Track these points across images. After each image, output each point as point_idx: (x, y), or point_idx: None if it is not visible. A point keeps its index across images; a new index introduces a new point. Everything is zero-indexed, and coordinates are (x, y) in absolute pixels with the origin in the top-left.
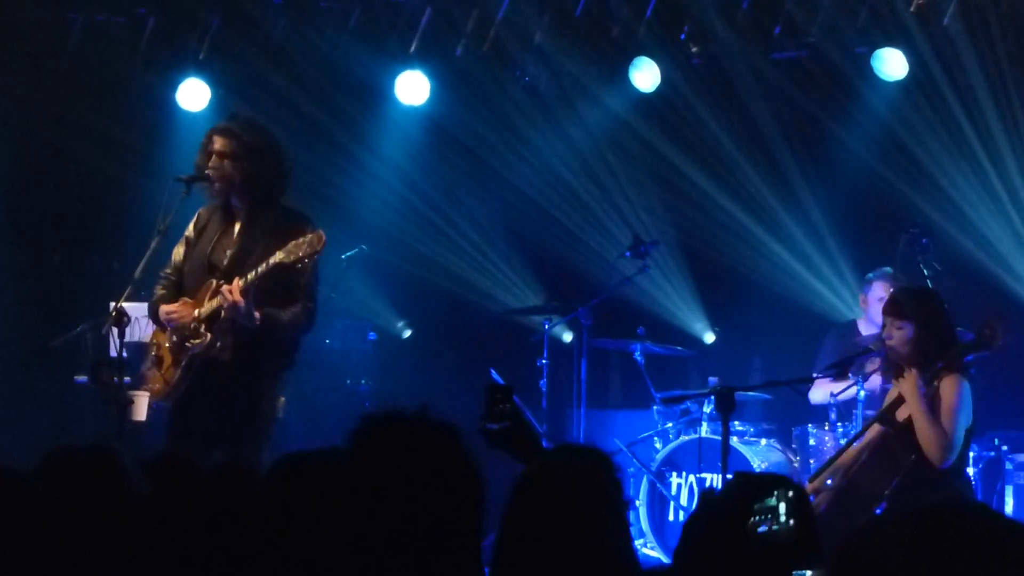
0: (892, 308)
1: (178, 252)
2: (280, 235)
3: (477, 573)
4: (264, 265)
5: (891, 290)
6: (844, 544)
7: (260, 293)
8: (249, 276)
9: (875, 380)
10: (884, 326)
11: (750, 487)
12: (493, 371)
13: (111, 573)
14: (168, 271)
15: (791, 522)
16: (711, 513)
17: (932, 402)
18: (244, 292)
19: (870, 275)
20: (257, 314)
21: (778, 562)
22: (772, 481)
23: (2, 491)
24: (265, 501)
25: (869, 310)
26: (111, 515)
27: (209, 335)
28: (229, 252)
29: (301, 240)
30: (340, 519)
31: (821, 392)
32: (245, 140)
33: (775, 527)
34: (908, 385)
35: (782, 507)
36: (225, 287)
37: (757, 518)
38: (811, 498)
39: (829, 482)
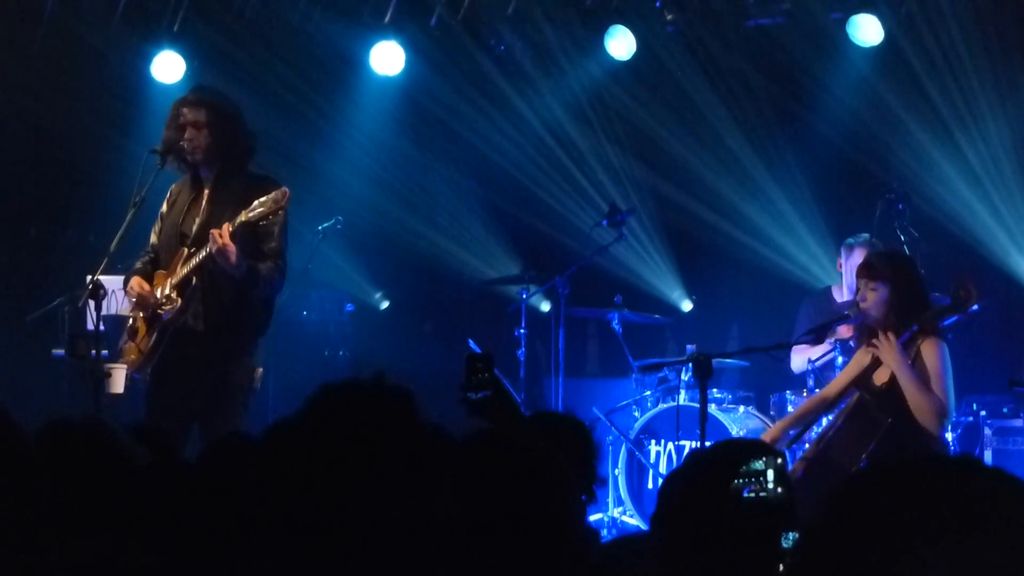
0: (866, 270)
1: (155, 229)
2: (247, 199)
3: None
4: (239, 219)
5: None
6: (831, 497)
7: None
8: (237, 220)
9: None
10: (858, 289)
11: (731, 453)
12: (471, 341)
13: (111, 542)
14: (147, 249)
15: (779, 489)
16: (690, 478)
17: (912, 365)
18: (233, 236)
19: (849, 240)
20: (243, 262)
21: (755, 527)
22: (753, 447)
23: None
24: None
25: (847, 276)
26: (113, 485)
27: (180, 300)
28: (198, 221)
29: (265, 198)
30: (296, 492)
31: (800, 359)
32: (216, 108)
33: (762, 493)
34: (891, 356)
35: (770, 473)
36: (214, 231)
37: (741, 481)
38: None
39: (806, 446)
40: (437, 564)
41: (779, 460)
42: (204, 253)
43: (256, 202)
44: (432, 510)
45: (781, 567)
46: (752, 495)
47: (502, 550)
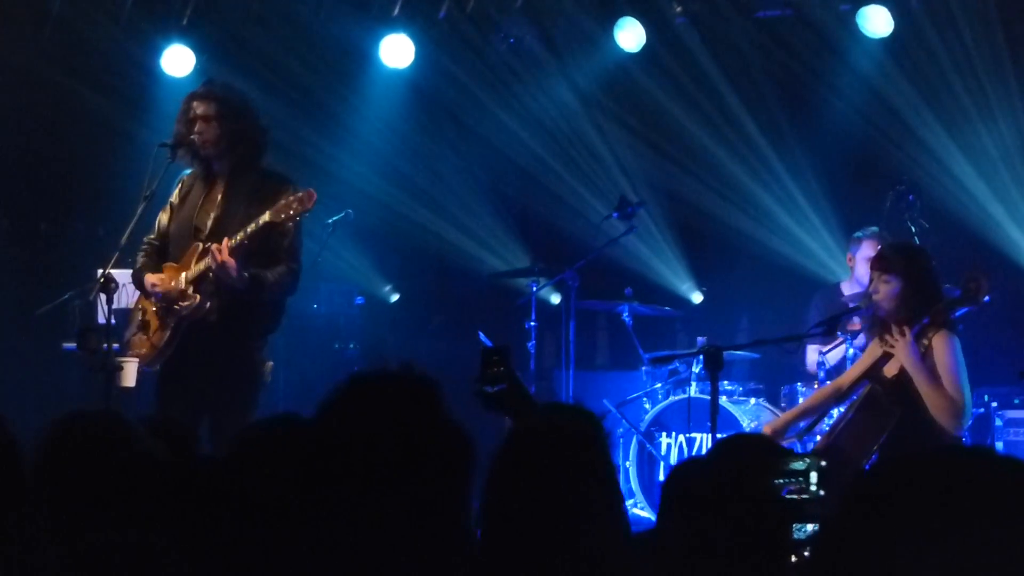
0: (879, 263)
1: (162, 218)
2: (263, 196)
3: (465, 530)
4: (254, 225)
5: (879, 248)
6: (846, 490)
7: (246, 254)
8: (239, 236)
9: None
10: (871, 281)
11: (735, 448)
12: (481, 334)
13: (129, 536)
14: (152, 237)
15: (822, 492)
16: (695, 471)
17: (924, 361)
18: (233, 252)
19: (858, 233)
20: (245, 274)
21: (763, 521)
22: (758, 442)
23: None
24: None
25: (856, 269)
26: (132, 479)
27: (198, 296)
28: (212, 215)
29: (292, 198)
30: (320, 478)
31: (811, 356)
32: (226, 102)
33: (804, 495)
34: (904, 355)
35: (813, 476)
36: (215, 246)
37: (782, 480)
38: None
39: (817, 438)
40: (459, 549)
41: (822, 462)
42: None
43: (282, 202)
44: (454, 497)
45: (793, 558)
46: (793, 496)
47: (541, 540)
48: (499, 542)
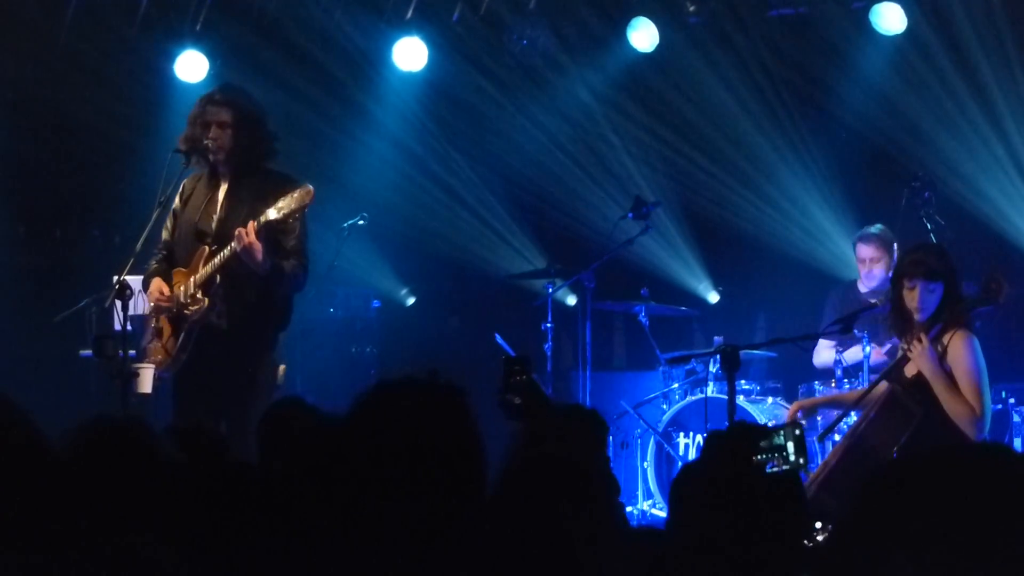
0: (924, 271)
1: (167, 226)
2: (265, 195)
3: (484, 535)
4: (264, 217)
5: (869, 248)
6: (864, 487)
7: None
8: (261, 219)
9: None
10: (910, 288)
11: (743, 438)
12: (498, 336)
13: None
14: (159, 246)
15: (800, 460)
16: (691, 472)
17: (942, 361)
18: (258, 234)
19: (854, 237)
20: (268, 260)
21: (773, 518)
22: (763, 432)
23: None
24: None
25: (859, 269)
26: (150, 486)
27: (207, 300)
28: (216, 217)
29: (289, 197)
30: (346, 480)
31: (826, 354)
32: (242, 108)
33: (784, 466)
34: (924, 363)
35: (790, 446)
36: (240, 229)
37: (763, 456)
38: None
39: (836, 437)
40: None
41: (797, 431)
42: (227, 251)
43: (281, 201)
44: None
45: (803, 558)
46: (776, 470)
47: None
48: (502, 534)
